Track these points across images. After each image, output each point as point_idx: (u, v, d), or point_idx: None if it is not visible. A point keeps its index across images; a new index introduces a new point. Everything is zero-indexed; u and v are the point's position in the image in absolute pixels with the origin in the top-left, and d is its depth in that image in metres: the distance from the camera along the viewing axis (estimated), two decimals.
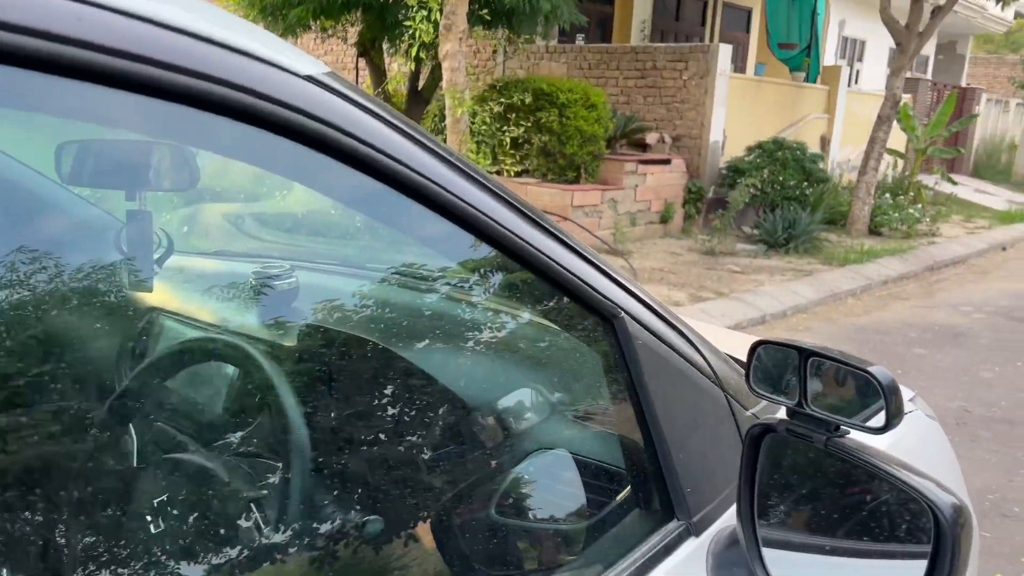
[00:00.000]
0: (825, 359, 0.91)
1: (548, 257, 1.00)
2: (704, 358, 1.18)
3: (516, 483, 1.12)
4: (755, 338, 1.04)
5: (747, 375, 1.00)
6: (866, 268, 9.19)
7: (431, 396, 1.13)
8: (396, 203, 0.83)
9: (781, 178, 10.21)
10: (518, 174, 9.45)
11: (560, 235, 1.04)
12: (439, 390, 1.15)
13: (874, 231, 11.14)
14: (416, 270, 1.18)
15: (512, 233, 0.94)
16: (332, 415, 1.09)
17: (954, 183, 13.79)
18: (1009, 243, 11.87)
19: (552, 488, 1.14)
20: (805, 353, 0.93)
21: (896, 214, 11.30)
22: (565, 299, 1.06)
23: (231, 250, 1.58)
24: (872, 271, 9.14)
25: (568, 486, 1.15)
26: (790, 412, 0.96)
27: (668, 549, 1.08)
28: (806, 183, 10.36)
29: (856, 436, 0.97)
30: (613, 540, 1.11)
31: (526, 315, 1.16)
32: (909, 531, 0.90)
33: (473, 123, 7.03)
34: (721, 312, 7.18)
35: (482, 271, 1.08)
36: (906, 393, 2.35)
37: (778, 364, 0.97)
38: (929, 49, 19.03)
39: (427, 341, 1.23)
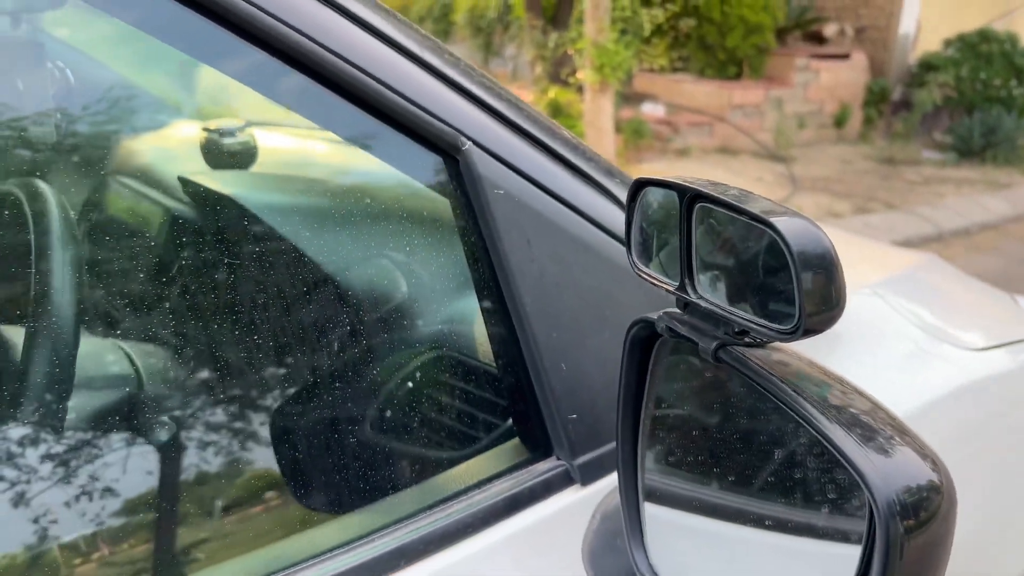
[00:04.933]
0: (714, 204, 0.52)
1: (373, 76, 0.65)
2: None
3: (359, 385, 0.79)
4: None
5: (627, 239, 0.62)
6: None
7: (288, 277, 0.82)
8: None
9: (983, 76, 8.81)
10: (674, 70, 8.71)
11: (394, 36, 0.68)
12: (296, 269, 0.83)
13: None
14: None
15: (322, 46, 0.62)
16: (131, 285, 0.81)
17: None
18: None
19: (411, 410, 0.81)
20: (689, 195, 0.53)
21: None
22: (394, 130, 0.71)
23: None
24: None
25: (434, 408, 0.82)
26: (679, 301, 0.58)
27: (532, 495, 0.73)
28: (1015, 82, 8.90)
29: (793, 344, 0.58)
30: (479, 471, 0.77)
31: (361, 160, 0.81)
32: (837, 502, 0.51)
33: (614, 8, 6.41)
34: (888, 226, 6.34)
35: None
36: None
37: (667, 219, 0.58)
38: None
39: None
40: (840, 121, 9.08)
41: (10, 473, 0.65)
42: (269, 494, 0.72)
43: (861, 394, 0.51)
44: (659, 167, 7.15)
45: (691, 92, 8.38)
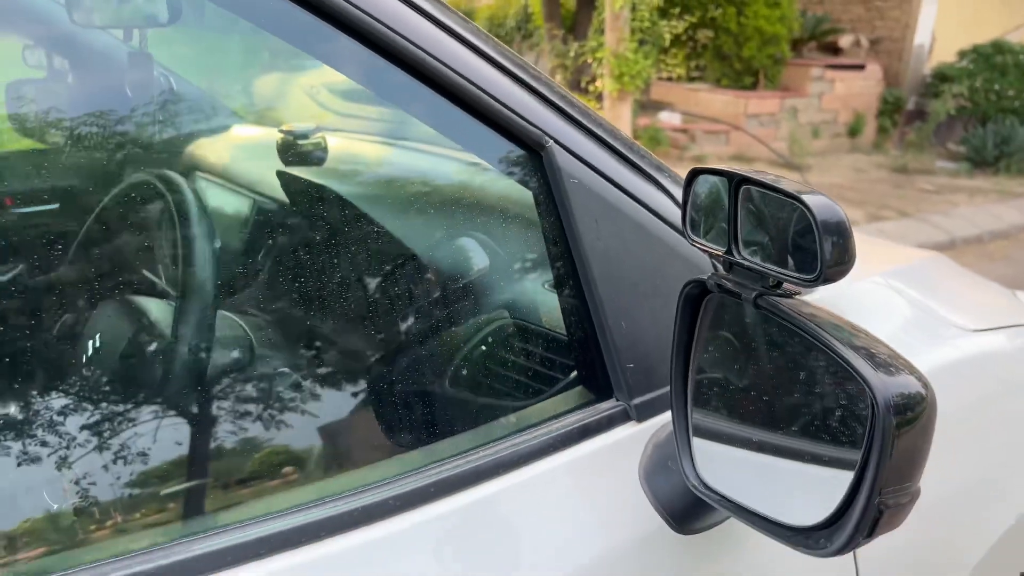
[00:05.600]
0: (757, 186, 0.68)
1: (465, 77, 0.82)
2: (675, 202, 0.96)
3: (448, 349, 0.97)
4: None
5: (683, 216, 0.78)
6: None
7: (380, 253, 0.99)
8: None
9: (997, 86, 8.94)
10: (691, 79, 8.87)
11: (479, 45, 0.85)
12: (387, 247, 1.00)
13: None
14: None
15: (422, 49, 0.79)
16: (258, 267, 0.99)
17: None
18: None
19: (499, 356, 0.98)
20: (736, 179, 0.70)
21: None
22: (490, 130, 0.88)
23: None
24: None
25: (517, 355, 0.99)
26: (725, 263, 0.74)
27: (598, 428, 0.90)
28: None
29: (814, 296, 0.74)
30: (546, 412, 0.94)
31: (454, 152, 0.98)
32: (847, 410, 0.67)
33: (634, 18, 6.59)
34: (901, 234, 6.47)
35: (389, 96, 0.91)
36: None
37: (715, 200, 0.74)
38: None
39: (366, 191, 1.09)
40: (854, 130, 9.22)
41: (176, 416, 0.82)
42: (403, 416, 0.90)
43: (864, 332, 0.68)
44: None
45: (708, 101, 8.54)
